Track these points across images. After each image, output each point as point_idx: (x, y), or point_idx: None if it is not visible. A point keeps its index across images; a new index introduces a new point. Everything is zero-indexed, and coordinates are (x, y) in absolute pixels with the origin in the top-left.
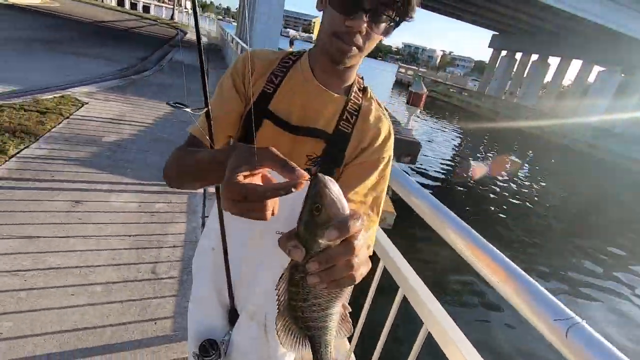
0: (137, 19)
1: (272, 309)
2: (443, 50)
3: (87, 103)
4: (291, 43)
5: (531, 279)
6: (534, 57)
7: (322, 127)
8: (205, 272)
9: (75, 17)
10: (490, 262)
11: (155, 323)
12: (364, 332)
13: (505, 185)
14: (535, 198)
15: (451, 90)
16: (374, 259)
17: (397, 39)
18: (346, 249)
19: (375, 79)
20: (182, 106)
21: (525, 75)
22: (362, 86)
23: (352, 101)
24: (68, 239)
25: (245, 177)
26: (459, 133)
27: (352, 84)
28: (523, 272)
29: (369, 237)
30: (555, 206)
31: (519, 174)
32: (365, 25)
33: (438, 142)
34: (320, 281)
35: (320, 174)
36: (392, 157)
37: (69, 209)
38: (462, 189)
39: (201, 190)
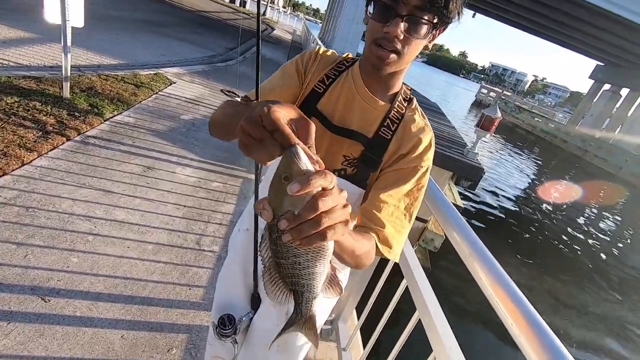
0: (232, 12)
1: None
2: (535, 76)
3: (174, 82)
4: None
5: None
6: None
7: (362, 131)
8: (236, 250)
9: (180, 4)
10: (511, 305)
11: (190, 289)
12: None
13: (583, 230)
14: (615, 250)
15: (536, 119)
16: (399, 275)
17: (484, 57)
18: (310, 207)
19: (452, 96)
20: (234, 94)
21: (629, 114)
22: (408, 96)
23: (395, 109)
24: (135, 199)
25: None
26: (535, 166)
27: (398, 92)
28: (544, 325)
29: (392, 235)
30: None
31: (605, 223)
32: (401, 30)
33: (508, 170)
34: (292, 239)
35: (293, 146)
36: (430, 168)
37: (140, 172)
38: (521, 221)
39: (253, 177)
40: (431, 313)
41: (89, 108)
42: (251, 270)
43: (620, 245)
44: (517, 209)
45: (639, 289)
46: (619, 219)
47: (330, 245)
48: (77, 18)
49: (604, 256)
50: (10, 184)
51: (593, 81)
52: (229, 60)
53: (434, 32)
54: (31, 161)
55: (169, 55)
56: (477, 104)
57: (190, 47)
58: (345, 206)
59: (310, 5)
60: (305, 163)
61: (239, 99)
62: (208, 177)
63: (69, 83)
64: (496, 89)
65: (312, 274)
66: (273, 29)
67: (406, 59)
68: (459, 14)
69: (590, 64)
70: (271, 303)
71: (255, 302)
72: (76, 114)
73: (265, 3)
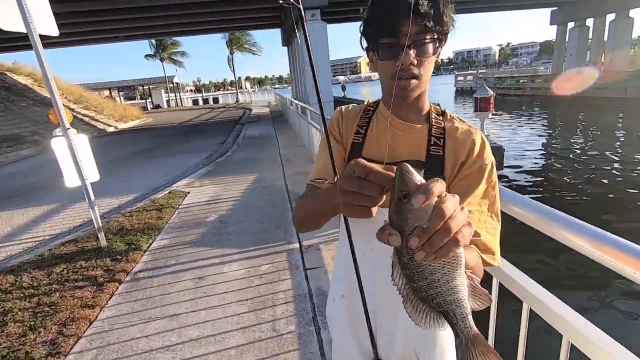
0: (210, 110)
1: (422, 345)
2: (499, 44)
3: (189, 192)
4: (343, 88)
5: None
6: (610, 16)
7: (415, 157)
8: (340, 322)
9: (164, 125)
10: (623, 255)
11: None
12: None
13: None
14: None
15: (521, 80)
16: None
17: (446, 51)
18: (437, 215)
19: (433, 95)
20: (321, 180)
21: (606, 39)
22: (439, 111)
23: (434, 126)
24: (200, 312)
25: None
26: (544, 121)
27: (429, 111)
28: None
29: (490, 241)
30: None
31: (623, 149)
32: (412, 57)
33: (523, 137)
34: (427, 254)
35: (403, 165)
36: (494, 163)
37: (194, 285)
38: (562, 178)
39: (297, 246)
40: (538, 297)
41: (127, 247)
42: (364, 336)
43: None
44: (554, 167)
45: None
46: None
47: (462, 253)
48: (92, 174)
49: None
50: (87, 346)
51: (556, 26)
52: (225, 153)
53: (439, 46)
54: (97, 317)
55: (174, 171)
56: (460, 92)
57: (188, 157)
58: (462, 209)
59: (273, 75)
60: (417, 176)
61: (327, 182)
62: (254, 263)
63: (102, 232)
64: (470, 71)
65: (454, 288)
66: (251, 110)
67: (425, 80)
68: (453, 22)
69: (545, 12)
70: None
71: None
72: (118, 257)
73: (235, 92)
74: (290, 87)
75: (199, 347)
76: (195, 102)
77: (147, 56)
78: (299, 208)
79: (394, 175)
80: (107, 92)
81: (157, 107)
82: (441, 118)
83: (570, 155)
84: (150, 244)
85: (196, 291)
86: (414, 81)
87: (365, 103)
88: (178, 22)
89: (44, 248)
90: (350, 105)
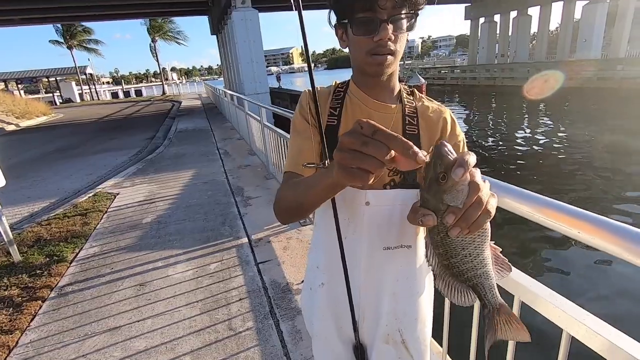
0: (133, 104)
1: (405, 323)
2: (421, 37)
3: (118, 194)
4: (278, 79)
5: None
6: (513, 14)
7: None
8: (320, 311)
9: (79, 120)
10: (565, 217)
11: None
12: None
13: (534, 142)
14: (568, 149)
15: (442, 71)
16: None
17: None
18: (472, 188)
19: None
20: (313, 165)
21: (510, 34)
22: (409, 91)
23: (407, 106)
24: (145, 321)
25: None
26: (463, 109)
27: (400, 90)
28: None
29: None
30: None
31: (541, 130)
32: (390, 32)
33: None
34: (461, 229)
35: (442, 142)
36: (465, 139)
37: (136, 293)
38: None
39: (246, 240)
40: None
41: (48, 259)
42: (347, 323)
43: (562, 134)
44: (475, 144)
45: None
46: (549, 117)
47: (489, 224)
48: None
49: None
50: None
51: (470, 20)
52: (156, 149)
53: (414, 21)
54: (17, 342)
55: (97, 171)
56: None
57: (113, 155)
58: (485, 181)
59: (202, 66)
60: (453, 152)
61: (321, 165)
62: (202, 262)
63: (15, 246)
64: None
65: (483, 260)
66: (180, 102)
67: (398, 56)
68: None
69: (460, 8)
70: (383, 341)
71: (361, 353)
72: (37, 271)
73: (161, 83)
74: (221, 79)
75: (148, 358)
76: (114, 95)
77: (52, 42)
78: (285, 198)
79: (402, 139)
80: (1, 85)
81: (68, 101)
82: (412, 98)
83: (487, 131)
84: (77, 254)
85: (138, 299)
86: (390, 57)
87: (333, 84)
88: (87, 5)
89: None
90: (318, 86)
